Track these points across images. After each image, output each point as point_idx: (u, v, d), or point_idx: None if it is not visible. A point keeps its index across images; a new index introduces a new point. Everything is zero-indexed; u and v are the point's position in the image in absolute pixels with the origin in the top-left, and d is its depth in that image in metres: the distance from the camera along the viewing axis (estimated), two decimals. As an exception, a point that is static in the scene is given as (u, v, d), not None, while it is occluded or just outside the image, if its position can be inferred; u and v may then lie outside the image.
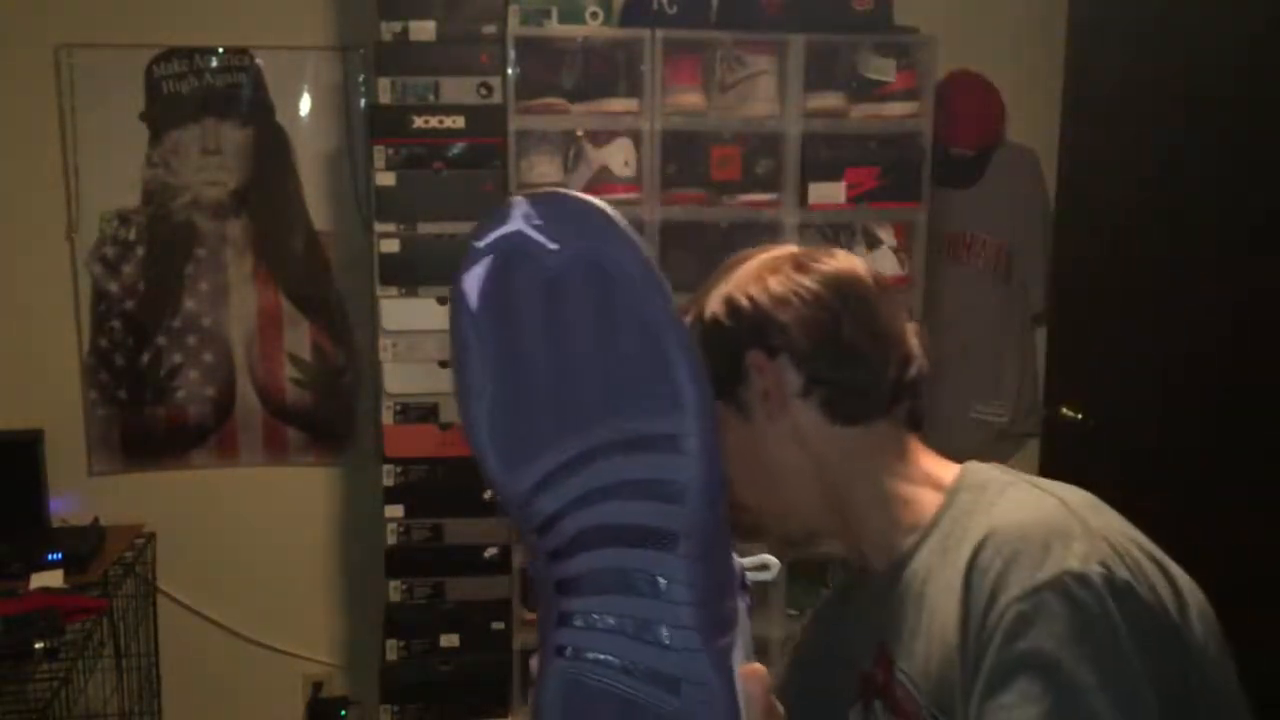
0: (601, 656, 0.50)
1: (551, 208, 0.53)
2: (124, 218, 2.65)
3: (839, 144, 2.43)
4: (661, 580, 0.50)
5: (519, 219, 0.53)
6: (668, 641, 0.50)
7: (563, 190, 0.54)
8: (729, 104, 2.41)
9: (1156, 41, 2.19)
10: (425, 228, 2.34)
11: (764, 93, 2.39)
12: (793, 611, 2.50)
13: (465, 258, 0.54)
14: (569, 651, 0.51)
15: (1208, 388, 2.07)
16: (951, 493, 0.90)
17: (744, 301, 0.93)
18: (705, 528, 0.51)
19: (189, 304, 2.70)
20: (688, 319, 0.94)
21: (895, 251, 2.46)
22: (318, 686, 2.81)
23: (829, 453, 0.93)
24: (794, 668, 1.07)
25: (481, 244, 0.53)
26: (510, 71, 2.32)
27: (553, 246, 0.52)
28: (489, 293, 0.53)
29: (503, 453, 0.52)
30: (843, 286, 0.92)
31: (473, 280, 0.53)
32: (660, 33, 2.34)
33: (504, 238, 0.53)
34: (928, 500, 0.91)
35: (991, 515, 0.83)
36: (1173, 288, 2.14)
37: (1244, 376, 1.98)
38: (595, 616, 0.50)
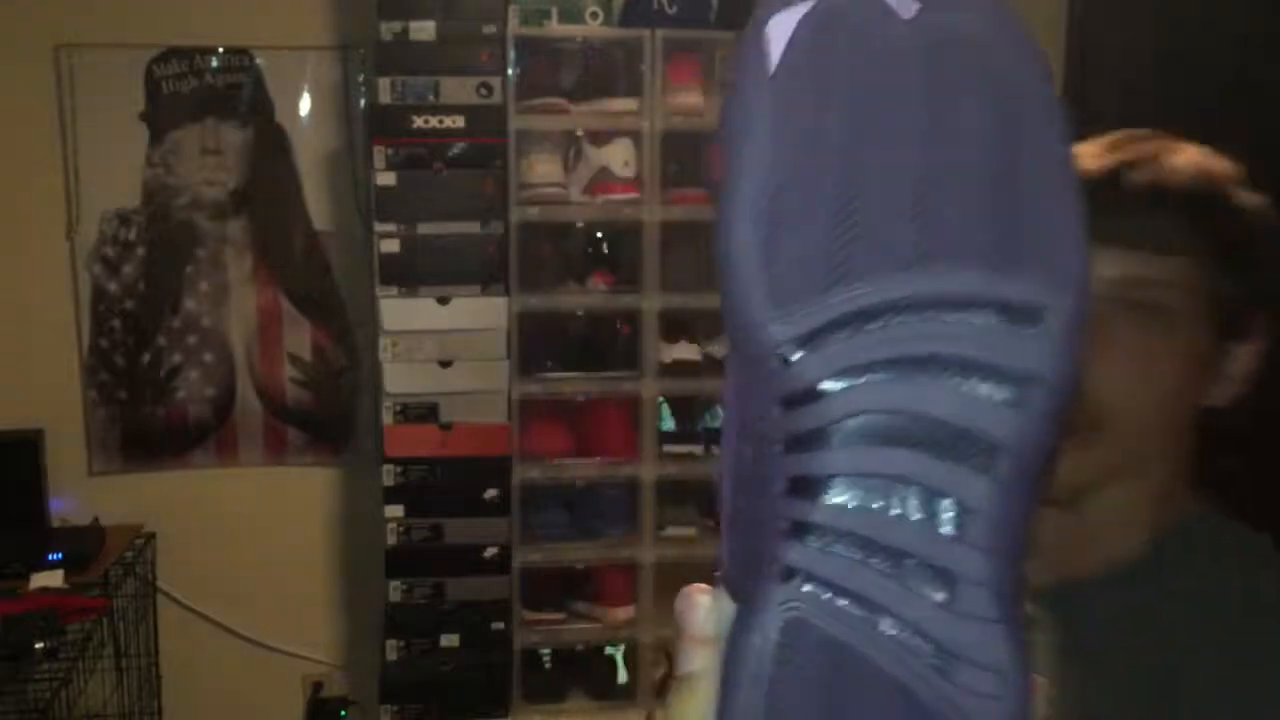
0: (843, 601, 0.34)
1: None
2: (124, 218, 2.65)
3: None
4: (956, 508, 0.34)
5: None
6: (948, 599, 0.34)
7: None
8: (729, 104, 2.40)
9: (1157, 47, 2.19)
10: (425, 228, 2.34)
11: (764, 93, 2.38)
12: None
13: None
14: (800, 579, 0.35)
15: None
16: None
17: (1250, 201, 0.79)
18: (1038, 448, 0.35)
19: (189, 304, 2.70)
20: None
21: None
22: (318, 686, 2.81)
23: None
24: None
25: None
26: (510, 71, 2.32)
27: (913, 5, 0.36)
28: (804, 47, 0.36)
29: (778, 279, 0.35)
30: None
31: (782, 26, 0.37)
32: (660, 32, 2.34)
33: None
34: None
35: None
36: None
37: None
38: (845, 541, 0.35)
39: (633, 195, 2.36)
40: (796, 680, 0.34)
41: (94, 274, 2.66)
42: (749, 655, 0.35)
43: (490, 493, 2.41)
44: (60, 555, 2.35)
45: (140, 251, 2.67)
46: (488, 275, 2.36)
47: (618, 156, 2.37)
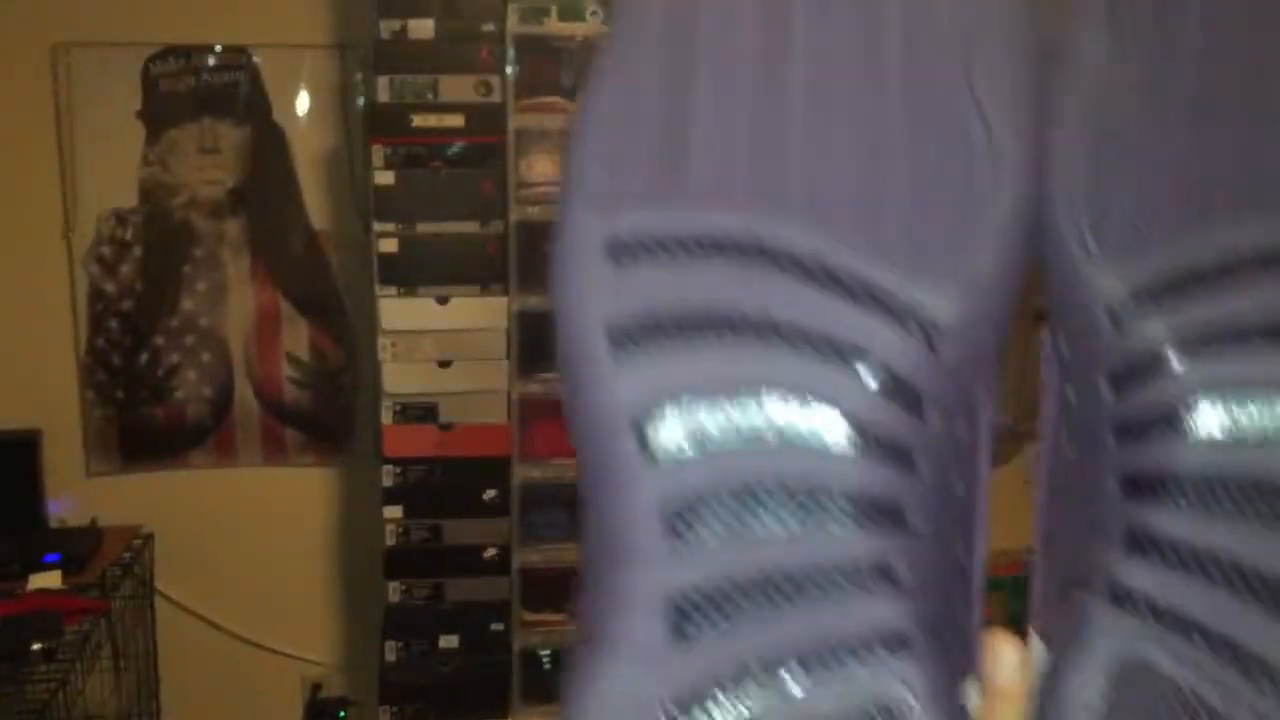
0: (1201, 643, 0.24)
1: None
2: (121, 217, 2.64)
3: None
4: None
5: None
6: None
7: None
8: (729, 102, 2.39)
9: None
10: (424, 227, 2.33)
11: (764, 91, 2.38)
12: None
13: None
14: (1141, 605, 0.26)
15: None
16: None
17: None
18: None
19: (186, 304, 2.69)
20: None
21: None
22: (316, 688, 2.80)
23: None
24: None
25: None
26: (509, 70, 2.31)
27: None
28: None
29: (1108, 217, 0.28)
30: None
31: None
32: (660, 31, 2.33)
33: None
34: None
35: None
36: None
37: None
38: (1215, 566, 0.25)
39: (632, 194, 2.35)
40: None
41: (91, 274, 2.65)
42: (1069, 707, 0.26)
43: (490, 493, 2.41)
44: (58, 556, 2.35)
45: (137, 251, 2.66)
46: (487, 275, 2.35)
47: (617, 155, 2.36)
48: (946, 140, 0.28)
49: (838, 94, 0.28)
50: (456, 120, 2.33)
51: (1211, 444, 0.25)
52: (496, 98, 2.33)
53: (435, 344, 2.35)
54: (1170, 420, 0.26)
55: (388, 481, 2.40)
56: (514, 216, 2.33)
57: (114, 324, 2.67)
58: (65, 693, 2.03)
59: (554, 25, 2.37)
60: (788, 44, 0.29)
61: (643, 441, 0.28)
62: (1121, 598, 0.26)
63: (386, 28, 2.33)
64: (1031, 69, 0.30)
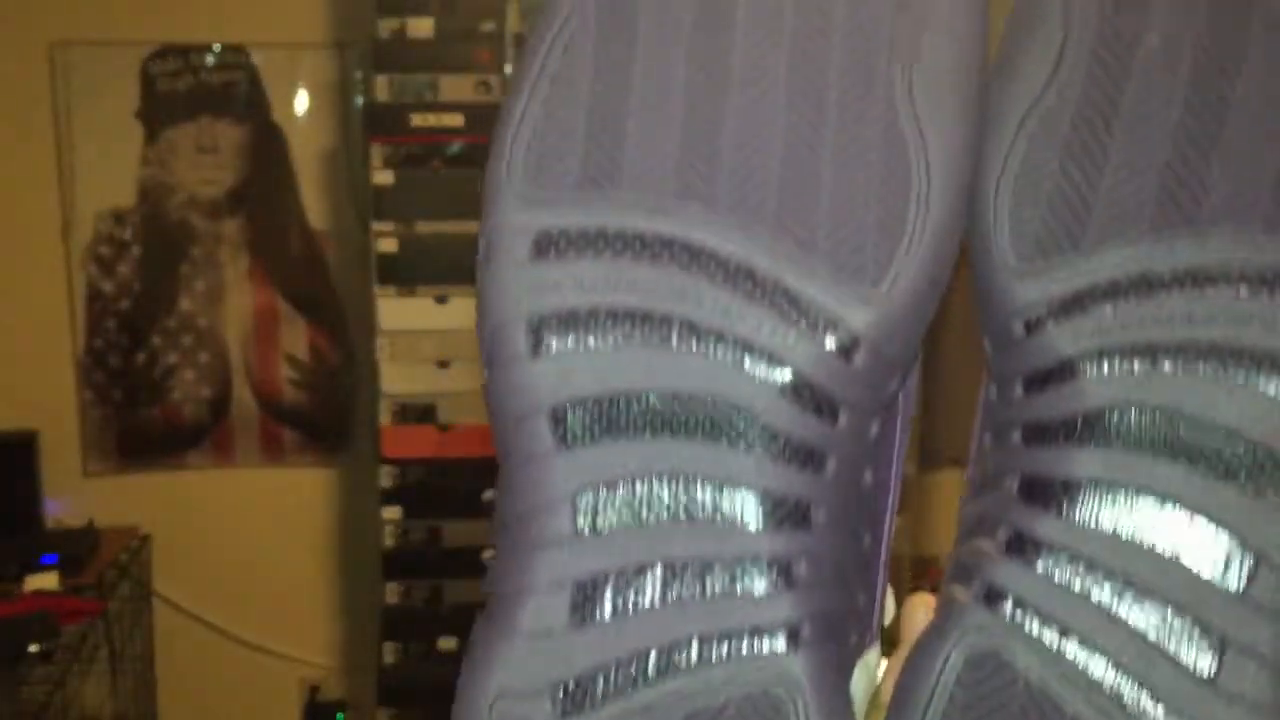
0: (1068, 646, 0.26)
1: None
2: (119, 216, 2.63)
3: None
4: (1251, 560, 0.25)
5: None
6: (1216, 673, 0.25)
7: None
8: (730, 102, 2.39)
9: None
10: (423, 227, 2.33)
11: (765, 90, 2.38)
12: None
13: None
14: (1008, 605, 0.28)
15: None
16: None
17: None
18: None
19: (184, 304, 2.68)
20: None
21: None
22: (314, 690, 2.79)
23: None
24: None
25: None
26: (509, 69, 2.30)
27: None
28: None
29: (1030, 228, 0.29)
30: None
31: None
32: (660, 30, 2.33)
33: None
34: None
35: None
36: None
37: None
38: (1086, 571, 0.26)
39: (633, 194, 2.35)
40: None
41: (89, 273, 2.64)
42: (922, 682, 0.28)
43: (489, 494, 2.39)
44: (55, 558, 2.34)
45: (135, 251, 2.65)
46: (486, 274, 2.34)
47: (617, 155, 2.36)
48: (879, 150, 0.29)
49: (772, 99, 0.29)
50: (456, 120, 2.32)
51: (1105, 456, 0.27)
52: (496, 97, 2.32)
53: (434, 344, 2.34)
54: (1070, 428, 0.27)
55: (386, 482, 2.39)
56: (513, 216, 2.33)
57: (111, 324, 2.66)
58: (61, 694, 2.02)
59: (554, 24, 2.36)
60: (725, 47, 0.29)
61: (557, 429, 0.30)
62: (992, 596, 0.27)
63: (386, 27, 2.32)
64: (973, 84, 0.31)
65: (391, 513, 2.40)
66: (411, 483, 2.39)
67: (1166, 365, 0.27)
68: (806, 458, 0.28)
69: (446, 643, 2.42)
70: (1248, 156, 0.27)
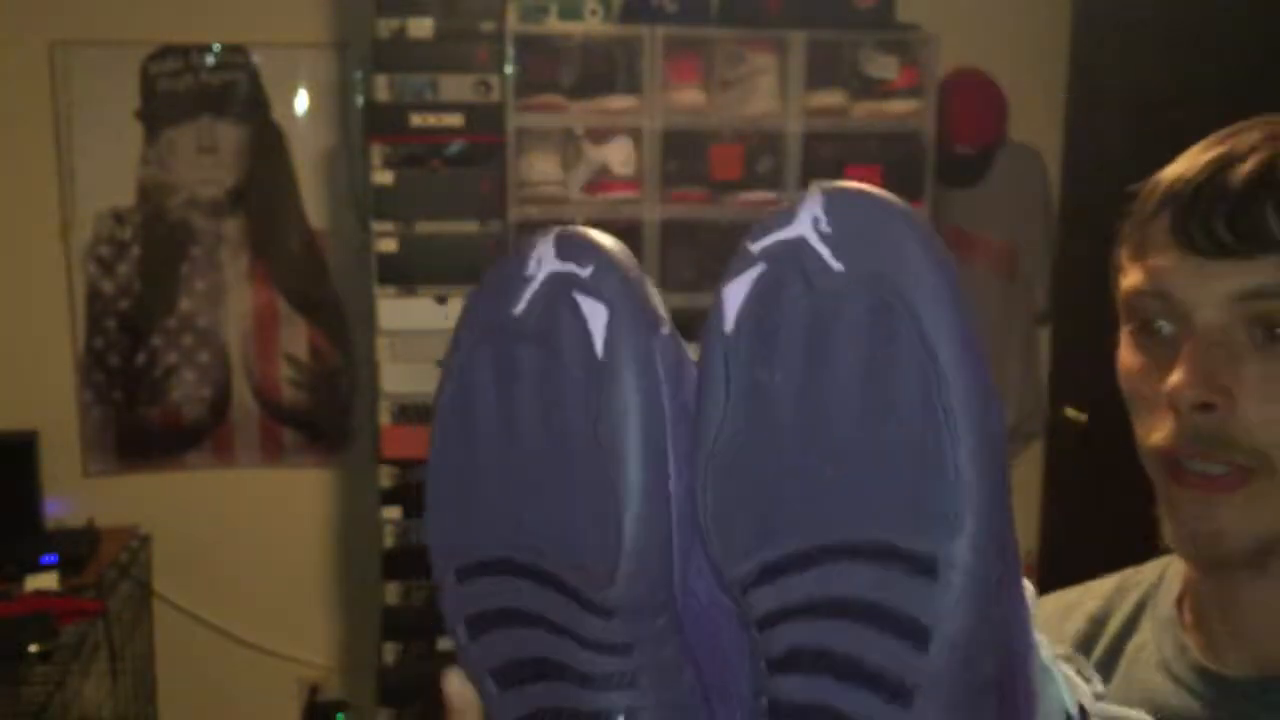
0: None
1: (846, 210, 0.39)
2: (119, 216, 2.63)
3: (841, 142, 2.42)
4: None
5: (806, 222, 0.39)
6: None
7: (865, 189, 0.40)
8: (729, 102, 2.39)
9: (1161, 39, 2.17)
10: (423, 227, 2.33)
11: (765, 90, 2.38)
12: None
13: (733, 260, 0.41)
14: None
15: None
16: None
17: None
18: (953, 689, 0.37)
19: (184, 304, 2.68)
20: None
21: (897, 251, 2.45)
22: (314, 689, 2.79)
23: None
24: None
25: (755, 248, 0.41)
26: (509, 69, 2.30)
27: (836, 267, 0.39)
28: (750, 313, 0.40)
29: (728, 525, 0.41)
30: None
31: (734, 292, 0.41)
32: (660, 30, 2.33)
33: (782, 244, 0.40)
34: None
35: None
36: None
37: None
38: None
39: (632, 194, 2.35)
40: None
41: (89, 273, 2.64)
42: None
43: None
44: (55, 558, 2.34)
45: (135, 251, 2.65)
46: (486, 274, 2.34)
47: (617, 155, 2.36)
48: (597, 481, 0.42)
49: (534, 464, 0.45)
50: (456, 120, 2.32)
51: (801, 683, 0.39)
52: (496, 97, 2.32)
53: (434, 344, 2.34)
54: (780, 664, 0.40)
55: (386, 482, 2.39)
56: (513, 216, 2.32)
57: (112, 324, 2.66)
58: (61, 695, 2.02)
59: (554, 24, 2.36)
60: (515, 429, 0.46)
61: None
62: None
63: (385, 26, 2.32)
64: (685, 422, 0.43)
65: (391, 513, 2.39)
66: (411, 483, 2.39)
67: (827, 613, 0.39)
68: (616, 656, 0.44)
69: (446, 643, 2.42)
70: (834, 482, 0.39)
